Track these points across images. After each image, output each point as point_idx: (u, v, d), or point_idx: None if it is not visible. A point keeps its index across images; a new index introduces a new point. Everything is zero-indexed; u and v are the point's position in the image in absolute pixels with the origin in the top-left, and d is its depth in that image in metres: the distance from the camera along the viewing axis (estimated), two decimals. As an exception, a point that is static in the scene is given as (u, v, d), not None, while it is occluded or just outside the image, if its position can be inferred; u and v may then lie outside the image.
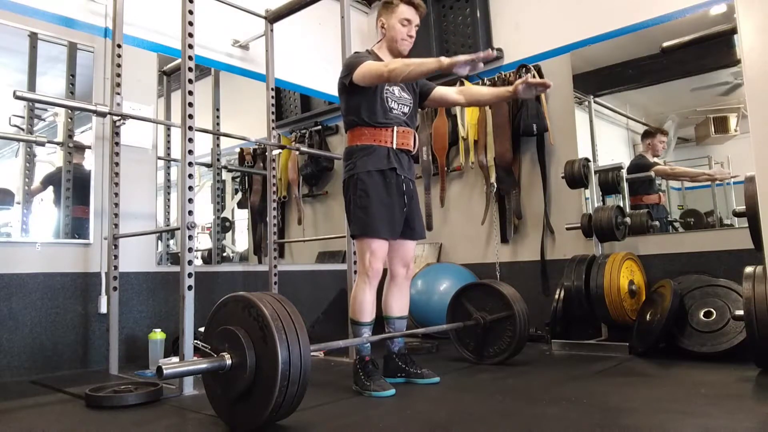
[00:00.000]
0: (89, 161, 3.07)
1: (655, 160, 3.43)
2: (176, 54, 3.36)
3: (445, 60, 2.02)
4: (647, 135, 3.46)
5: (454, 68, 2.00)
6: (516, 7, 3.97)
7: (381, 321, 2.47)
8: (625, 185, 3.34)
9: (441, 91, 2.55)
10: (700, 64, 3.23)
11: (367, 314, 2.32)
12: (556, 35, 3.73)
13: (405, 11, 2.38)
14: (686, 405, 1.83)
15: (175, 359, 2.62)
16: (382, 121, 2.32)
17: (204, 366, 1.66)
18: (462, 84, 3.92)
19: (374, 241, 2.28)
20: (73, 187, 3.02)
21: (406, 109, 2.41)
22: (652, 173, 3.43)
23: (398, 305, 2.45)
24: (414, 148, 2.43)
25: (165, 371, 1.57)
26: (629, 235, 3.19)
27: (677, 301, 2.66)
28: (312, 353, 1.67)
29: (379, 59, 2.37)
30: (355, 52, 2.45)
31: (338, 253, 4.23)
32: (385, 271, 2.40)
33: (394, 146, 2.33)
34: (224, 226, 4.00)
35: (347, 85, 2.29)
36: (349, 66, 2.29)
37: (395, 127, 2.34)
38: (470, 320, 2.72)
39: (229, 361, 1.64)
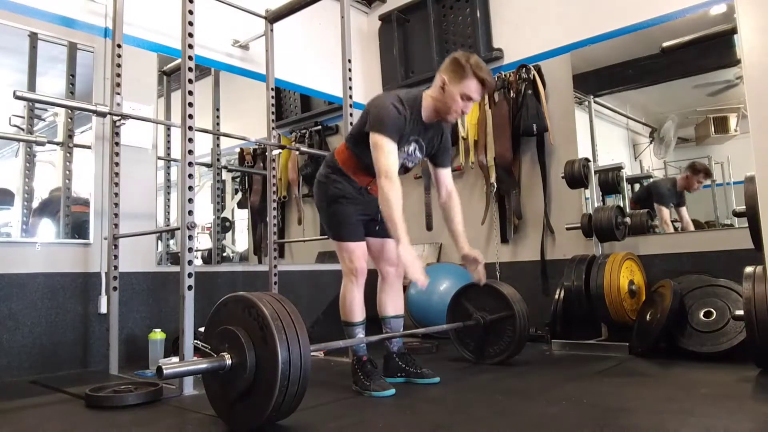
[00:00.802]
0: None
1: (685, 192, 3.34)
2: (176, 54, 3.37)
3: (400, 249, 2.03)
4: (692, 168, 3.30)
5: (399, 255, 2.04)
6: (516, 7, 3.97)
7: (378, 321, 2.47)
8: (625, 185, 3.34)
9: (441, 176, 2.46)
10: (700, 64, 3.23)
11: (358, 314, 2.32)
12: (556, 35, 3.73)
13: (472, 87, 2.16)
14: (686, 405, 1.83)
15: (175, 359, 2.62)
16: (371, 171, 2.24)
17: (204, 366, 1.66)
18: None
19: (351, 242, 2.31)
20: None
21: (409, 164, 2.36)
22: (651, 172, 3.43)
23: (392, 305, 2.45)
24: None
25: (165, 371, 1.57)
26: (629, 235, 3.19)
27: (677, 301, 2.66)
28: (312, 353, 1.67)
29: (418, 110, 2.23)
30: (397, 101, 2.17)
31: (338, 253, 4.22)
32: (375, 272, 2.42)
33: (365, 187, 2.34)
34: (224, 226, 4.00)
35: (364, 131, 2.20)
36: (377, 121, 2.12)
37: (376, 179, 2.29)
38: (470, 320, 2.72)
39: (229, 361, 1.64)
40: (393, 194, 2.06)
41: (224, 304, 1.76)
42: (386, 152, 2.10)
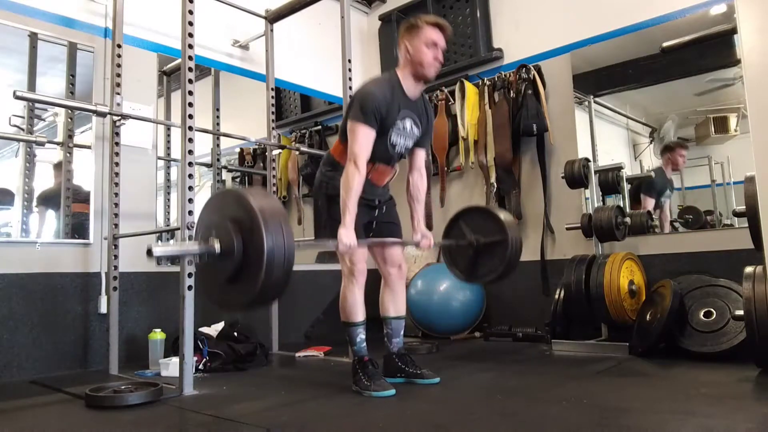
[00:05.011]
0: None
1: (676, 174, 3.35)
2: (176, 54, 3.36)
3: (341, 229, 2.10)
4: (667, 149, 3.36)
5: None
6: (516, 7, 3.97)
7: (379, 322, 2.47)
8: (625, 185, 3.34)
9: (417, 155, 2.47)
10: (700, 64, 3.23)
11: (359, 314, 2.33)
12: (556, 35, 3.73)
13: (431, 33, 2.25)
14: (686, 405, 1.83)
15: (176, 359, 2.62)
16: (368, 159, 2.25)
17: (195, 248, 1.67)
18: (462, 84, 3.93)
19: None
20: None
21: (410, 143, 2.37)
22: (651, 173, 3.45)
23: (393, 305, 2.45)
24: (385, 183, 2.43)
25: (155, 251, 1.58)
26: (629, 235, 3.18)
27: (677, 301, 2.66)
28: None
29: (399, 87, 2.27)
30: (377, 84, 2.25)
31: (338, 253, 4.21)
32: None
33: (367, 178, 2.31)
34: (224, 226, 3.99)
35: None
36: (355, 109, 2.18)
37: (377, 164, 2.31)
38: (464, 240, 2.67)
39: (218, 245, 1.64)
40: (355, 180, 2.14)
41: (215, 198, 1.80)
42: (359, 139, 2.17)
